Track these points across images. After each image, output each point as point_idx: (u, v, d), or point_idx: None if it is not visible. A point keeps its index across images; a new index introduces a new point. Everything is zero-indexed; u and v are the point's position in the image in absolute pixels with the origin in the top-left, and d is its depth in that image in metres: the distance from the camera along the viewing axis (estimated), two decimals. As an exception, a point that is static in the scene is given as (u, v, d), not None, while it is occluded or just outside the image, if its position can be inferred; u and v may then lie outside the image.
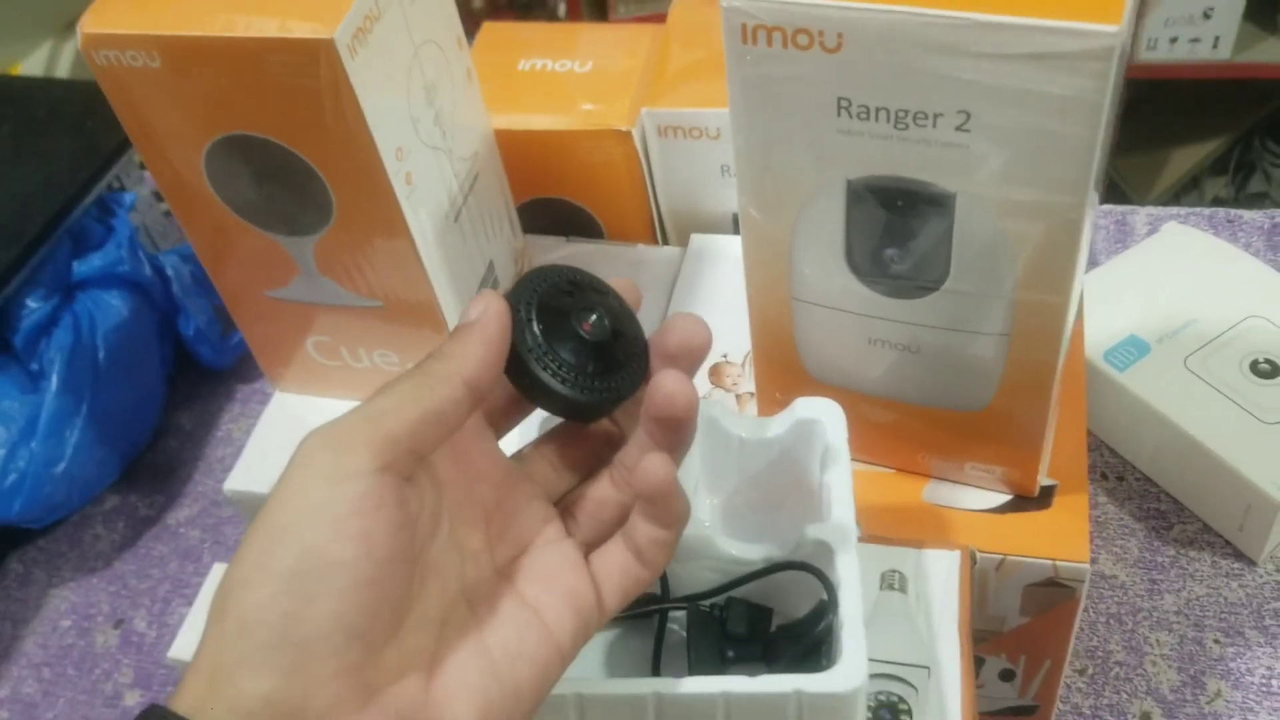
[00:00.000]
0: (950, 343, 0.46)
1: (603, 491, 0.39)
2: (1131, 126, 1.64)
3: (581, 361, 0.37)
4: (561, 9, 1.69)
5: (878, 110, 0.39)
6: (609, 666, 0.46)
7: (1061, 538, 0.50)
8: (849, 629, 0.40)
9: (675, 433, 0.37)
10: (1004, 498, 0.52)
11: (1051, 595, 0.51)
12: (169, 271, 0.78)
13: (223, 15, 0.46)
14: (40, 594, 0.72)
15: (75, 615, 0.71)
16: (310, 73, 0.45)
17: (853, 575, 0.42)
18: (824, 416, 0.45)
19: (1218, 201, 1.64)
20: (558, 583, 0.37)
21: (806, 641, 0.43)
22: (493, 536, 0.37)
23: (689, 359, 0.38)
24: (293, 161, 0.49)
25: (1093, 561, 0.65)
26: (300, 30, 0.45)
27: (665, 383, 0.36)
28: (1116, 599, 0.63)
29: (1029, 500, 0.52)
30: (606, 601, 0.37)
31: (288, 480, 0.32)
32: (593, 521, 0.39)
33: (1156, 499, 0.67)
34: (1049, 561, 0.50)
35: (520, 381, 0.37)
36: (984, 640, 0.55)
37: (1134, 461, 0.68)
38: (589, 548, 0.39)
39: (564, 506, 0.40)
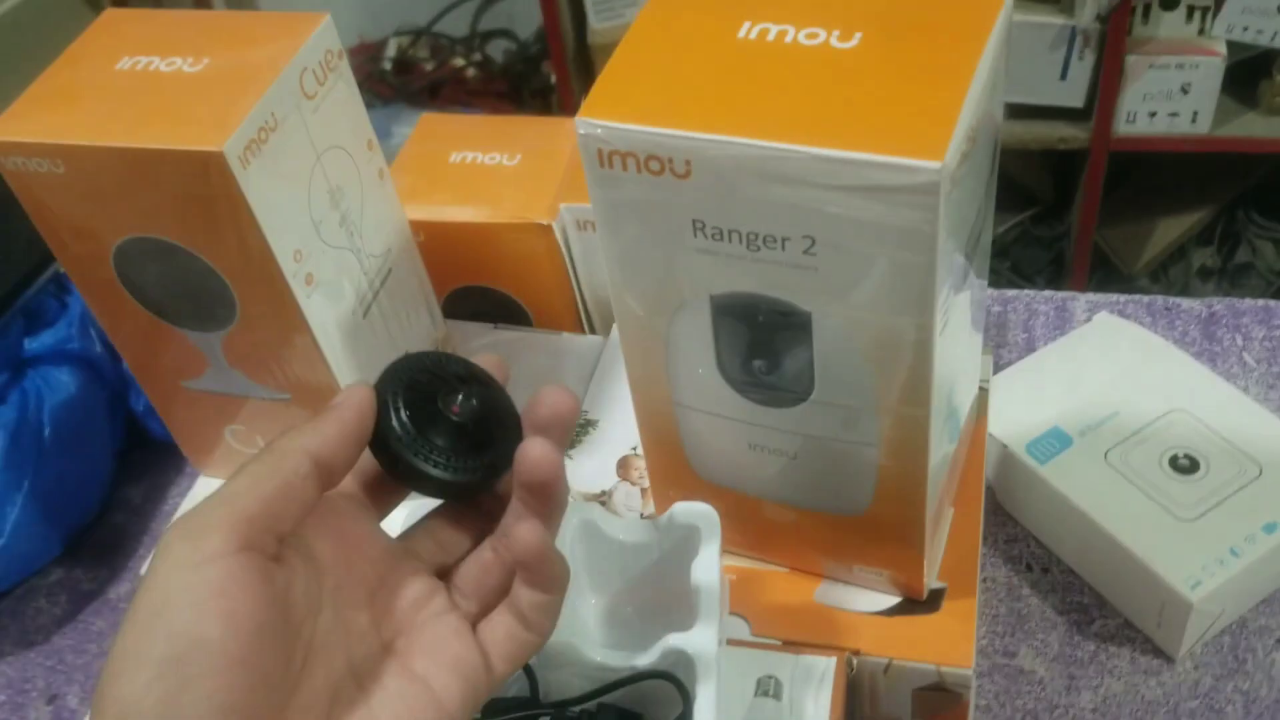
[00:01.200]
0: (824, 450, 0.47)
1: (485, 560, 0.40)
2: (1117, 198, 1.65)
3: (451, 443, 0.39)
4: (553, 79, 1.72)
5: (730, 232, 0.41)
6: (479, 769, 0.46)
7: (947, 642, 0.51)
8: (701, 740, 0.41)
9: (544, 498, 0.38)
10: (894, 599, 0.53)
11: (939, 699, 0.51)
12: (120, 348, 0.79)
13: (122, 124, 0.48)
14: (-22, 667, 0.73)
15: (10, 690, 0.71)
16: (203, 181, 0.47)
17: (710, 686, 0.42)
18: (698, 521, 0.46)
19: (1204, 271, 1.64)
20: (444, 653, 0.38)
21: (666, 750, 0.43)
22: (378, 614, 0.38)
23: (558, 428, 0.39)
24: (195, 263, 0.51)
25: (1013, 655, 0.65)
26: (191, 142, 0.46)
27: (530, 450, 0.37)
28: (1034, 695, 0.63)
29: (918, 603, 0.52)
30: (496, 668, 0.39)
31: (152, 571, 0.33)
32: (478, 590, 0.40)
33: (1080, 592, 0.67)
34: (934, 666, 0.50)
35: (393, 469, 0.39)
36: (881, 741, 0.55)
37: (1058, 553, 0.68)
38: (478, 616, 0.40)
39: (450, 579, 0.41)
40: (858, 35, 0.40)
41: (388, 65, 1.90)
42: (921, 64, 0.39)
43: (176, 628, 0.32)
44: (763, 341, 0.44)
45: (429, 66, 1.89)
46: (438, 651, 0.38)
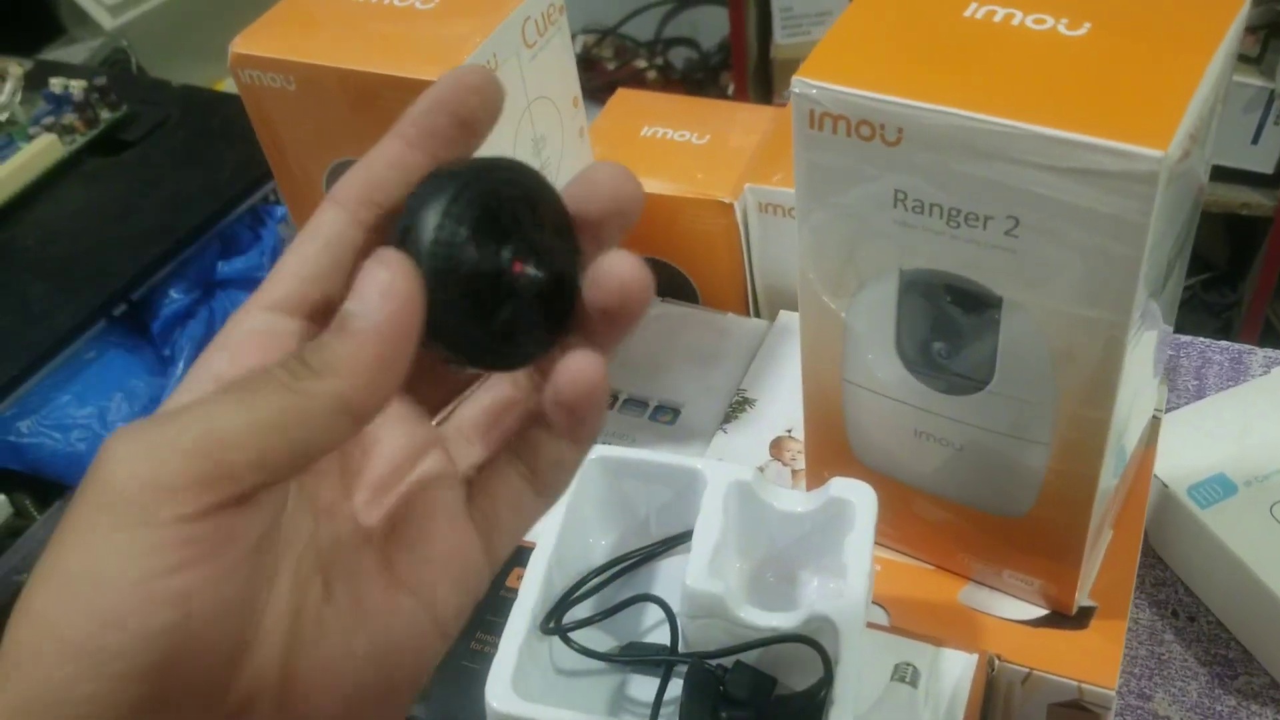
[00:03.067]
0: (993, 444, 0.46)
1: (502, 397, 0.31)
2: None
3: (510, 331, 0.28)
4: (731, 89, 1.74)
5: (931, 206, 0.41)
6: (611, 708, 0.47)
7: (1092, 660, 0.49)
8: (838, 708, 0.41)
9: (622, 324, 0.28)
10: (1040, 612, 0.52)
11: (1076, 718, 0.50)
12: (303, 283, 0.83)
13: (352, 49, 0.50)
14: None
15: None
16: (422, 111, 0.49)
17: (853, 657, 0.42)
18: (855, 498, 0.46)
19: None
20: (438, 546, 0.29)
21: (799, 715, 0.43)
22: (350, 478, 0.29)
23: (619, 220, 0.29)
24: (400, 190, 0.53)
25: (1148, 698, 0.63)
26: (414, 71, 0.48)
27: (616, 267, 0.27)
28: (1167, 741, 0.61)
29: (1065, 618, 0.51)
30: (497, 551, 0.30)
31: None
32: (485, 437, 0.31)
33: (1226, 645, 0.65)
34: (1074, 682, 0.49)
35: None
36: (1007, 755, 0.54)
37: (1207, 603, 0.66)
38: (472, 469, 0.30)
39: (446, 419, 0.32)
40: (1086, 25, 0.40)
41: (571, 60, 1.94)
42: (1150, 59, 0.39)
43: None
44: (946, 323, 0.44)
45: (611, 66, 1.93)
46: (430, 544, 0.29)
